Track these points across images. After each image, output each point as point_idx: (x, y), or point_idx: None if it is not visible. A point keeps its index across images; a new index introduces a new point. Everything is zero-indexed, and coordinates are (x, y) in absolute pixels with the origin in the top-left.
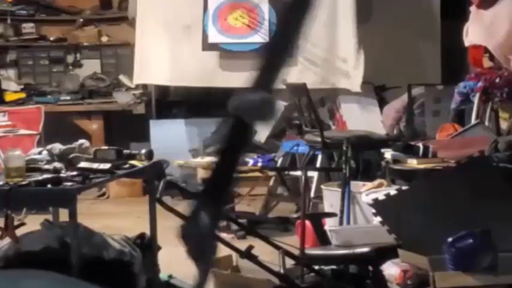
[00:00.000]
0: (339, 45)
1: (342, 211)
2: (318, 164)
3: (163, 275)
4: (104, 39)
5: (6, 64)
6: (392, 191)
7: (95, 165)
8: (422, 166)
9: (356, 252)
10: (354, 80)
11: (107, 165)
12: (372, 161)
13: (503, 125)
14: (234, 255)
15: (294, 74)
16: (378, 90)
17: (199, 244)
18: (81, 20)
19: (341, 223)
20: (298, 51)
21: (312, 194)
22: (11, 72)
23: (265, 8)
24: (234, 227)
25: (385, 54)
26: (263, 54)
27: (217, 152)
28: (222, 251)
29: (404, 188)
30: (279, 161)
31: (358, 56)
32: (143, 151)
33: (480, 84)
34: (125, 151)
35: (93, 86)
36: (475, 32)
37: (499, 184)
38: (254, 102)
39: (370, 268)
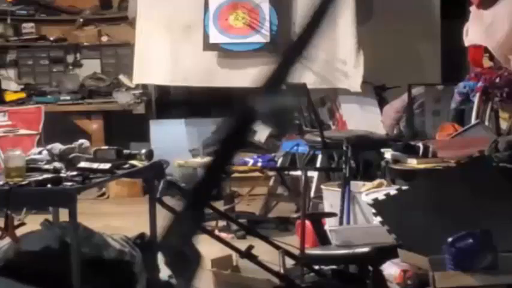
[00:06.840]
0: (338, 45)
1: (342, 211)
2: (318, 164)
3: (163, 275)
4: (104, 39)
5: (6, 64)
6: (393, 191)
7: (95, 165)
8: (422, 166)
9: (356, 252)
10: (353, 80)
11: (107, 165)
12: (372, 161)
13: (503, 125)
14: (234, 255)
15: (294, 74)
16: (378, 90)
17: (178, 256)
18: (81, 20)
19: (341, 223)
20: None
21: (312, 194)
22: (11, 72)
23: (266, 8)
24: (234, 227)
25: (385, 54)
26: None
27: (212, 151)
28: (222, 251)
29: (404, 188)
30: (279, 161)
31: (358, 55)
32: (143, 151)
33: (480, 84)
34: (125, 151)
35: (93, 86)
36: (475, 32)
37: (499, 184)
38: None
39: (370, 268)
